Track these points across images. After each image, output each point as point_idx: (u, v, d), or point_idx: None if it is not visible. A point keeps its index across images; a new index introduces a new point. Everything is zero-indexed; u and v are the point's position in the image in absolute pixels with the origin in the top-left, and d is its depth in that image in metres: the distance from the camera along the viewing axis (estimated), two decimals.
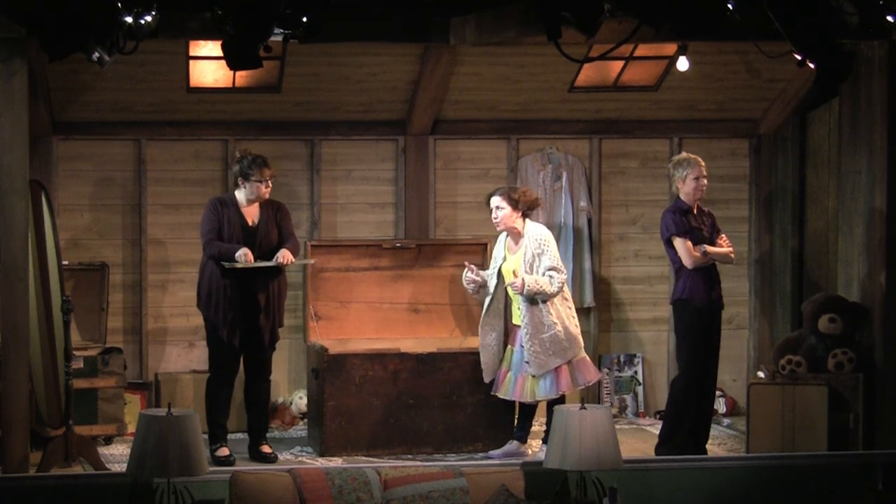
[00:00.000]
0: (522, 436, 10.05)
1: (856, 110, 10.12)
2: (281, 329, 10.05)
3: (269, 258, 9.81)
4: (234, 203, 9.93)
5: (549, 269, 9.76)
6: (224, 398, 9.95)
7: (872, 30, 8.70)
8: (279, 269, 9.91)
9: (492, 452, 9.99)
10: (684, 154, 10.03)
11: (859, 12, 8.61)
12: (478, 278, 10.00)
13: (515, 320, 9.93)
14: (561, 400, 9.83)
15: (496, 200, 9.89)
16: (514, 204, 9.86)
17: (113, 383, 10.33)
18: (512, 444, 10.01)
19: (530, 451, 10.03)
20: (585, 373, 9.91)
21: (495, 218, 9.92)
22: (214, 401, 9.93)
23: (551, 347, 9.77)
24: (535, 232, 9.91)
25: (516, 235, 9.95)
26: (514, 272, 9.86)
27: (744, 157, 11.90)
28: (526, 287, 9.70)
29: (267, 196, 9.93)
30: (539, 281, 9.73)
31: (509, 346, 9.99)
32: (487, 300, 10.04)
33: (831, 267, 11.02)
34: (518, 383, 9.89)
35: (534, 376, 9.81)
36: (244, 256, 9.71)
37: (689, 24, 9.05)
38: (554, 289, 9.74)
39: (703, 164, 9.87)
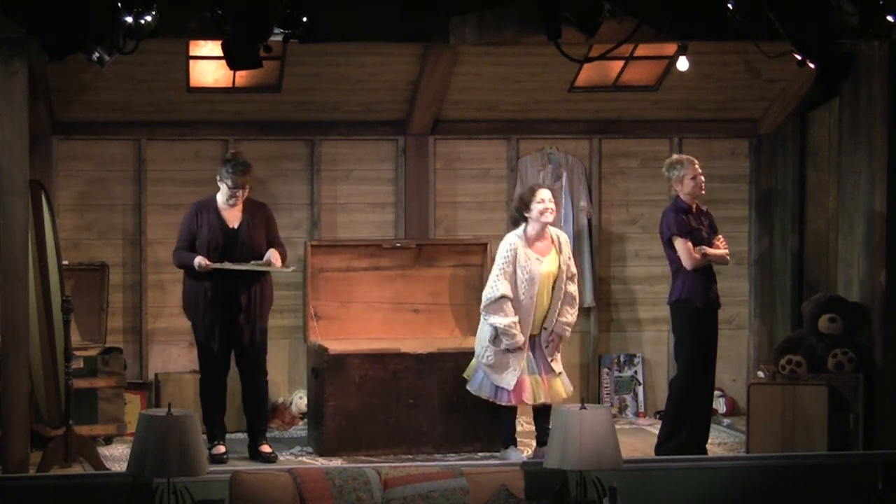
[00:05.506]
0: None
1: (856, 110, 10.11)
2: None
3: (250, 261, 9.73)
4: (214, 206, 9.84)
5: None
6: (216, 397, 9.93)
7: (872, 30, 8.68)
8: (263, 273, 9.85)
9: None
10: (675, 156, 10.03)
11: (859, 12, 8.60)
12: None
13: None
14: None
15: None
16: None
17: (113, 383, 10.33)
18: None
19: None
20: None
21: (553, 210, 9.83)
22: (207, 400, 9.94)
23: None
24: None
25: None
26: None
27: (744, 157, 11.90)
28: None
29: (235, 204, 9.80)
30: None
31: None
32: None
33: (831, 267, 11.01)
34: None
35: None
36: (201, 265, 9.65)
37: (689, 24, 9.06)
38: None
39: (696, 161, 9.88)
